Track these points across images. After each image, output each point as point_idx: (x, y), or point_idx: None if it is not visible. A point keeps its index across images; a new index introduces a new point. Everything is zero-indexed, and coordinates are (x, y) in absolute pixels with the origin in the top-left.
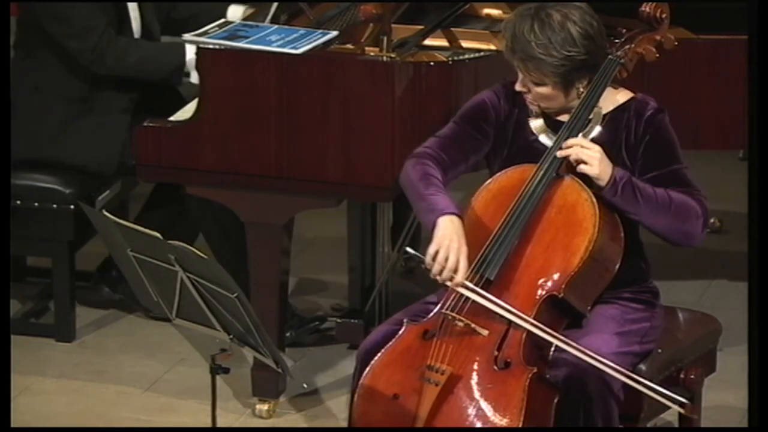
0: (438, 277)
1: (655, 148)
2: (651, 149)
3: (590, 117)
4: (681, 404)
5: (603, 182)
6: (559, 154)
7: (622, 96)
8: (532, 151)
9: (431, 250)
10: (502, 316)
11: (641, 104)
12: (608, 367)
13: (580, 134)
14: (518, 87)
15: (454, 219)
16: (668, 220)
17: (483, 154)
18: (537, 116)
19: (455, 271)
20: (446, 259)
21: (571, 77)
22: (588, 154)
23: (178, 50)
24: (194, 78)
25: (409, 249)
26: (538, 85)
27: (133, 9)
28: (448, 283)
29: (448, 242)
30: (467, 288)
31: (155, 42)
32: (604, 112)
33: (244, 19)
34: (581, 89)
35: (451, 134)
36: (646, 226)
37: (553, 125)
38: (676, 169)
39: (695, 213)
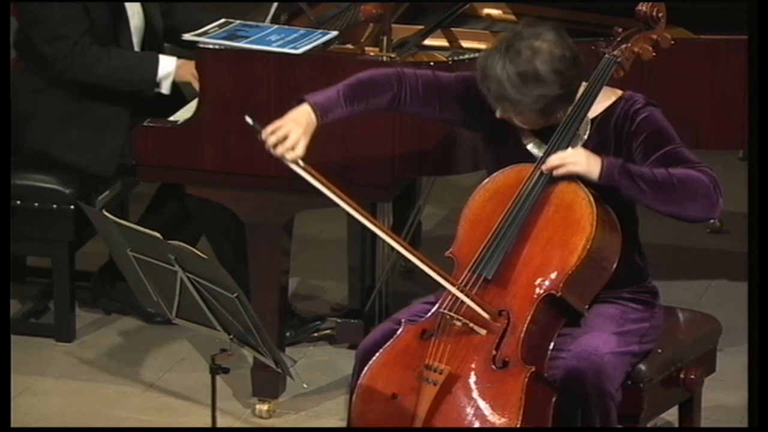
0: (272, 150)
1: (648, 135)
2: (644, 138)
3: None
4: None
5: (595, 175)
6: (544, 169)
7: (610, 97)
8: (523, 156)
9: (276, 122)
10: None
11: (628, 102)
12: None
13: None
14: (499, 114)
15: (313, 116)
16: (678, 197)
17: (455, 120)
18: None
19: (293, 148)
20: (285, 138)
21: (550, 110)
22: (570, 159)
23: (152, 63)
24: (165, 89)
25: (248, 118)
26: (517, 115)
27: (134, 11)
28: (286, 157)
29: (293, 124)
30: (299, 166)
31: (130, 52)
32: (592, 116)
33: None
34: (563, 113)
35: (444, 81)
36: (662, 212)
37: (543, 130)
38: (672, 148)
39: (702, 183)
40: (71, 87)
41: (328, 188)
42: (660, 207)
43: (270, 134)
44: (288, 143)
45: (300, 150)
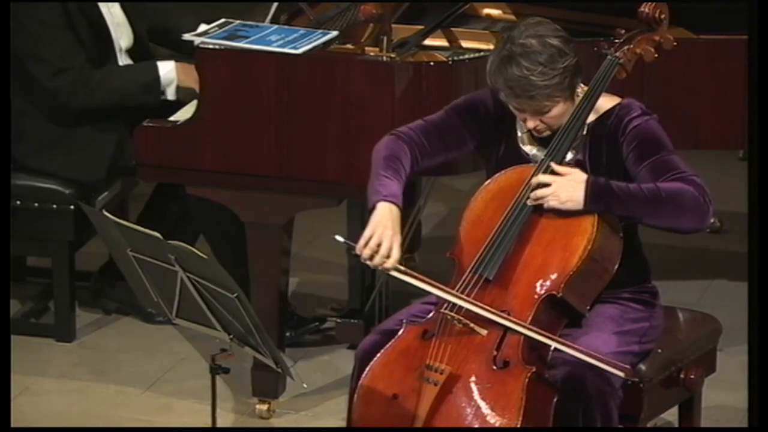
0: (369, 262)
1: (639, 143)
2: (635, 146)
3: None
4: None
5: (579, 204)
6: (529, 203)
7: (608, 102)
8: (522, 159)
9: (366, 234)
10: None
11: (624, 109)
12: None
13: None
14: (531, 125)
15: (393, 208)
16: (667, 211)
17: (466, 150)
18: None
19: (388, 256)
20: (379, 245)
21: (573, 83)
22: (547, 193)
23: (152, 72)
24: (170, 95)
25: (338, 237)
26: (551, 109)
27: (123, 32)
28: (380, 268)
29: (382, 229)
30: (399, 270)
31: (127, 67)
32: (588, 120)
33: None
34: (579, 92)
35: (439, 122)
36: (653, 226)
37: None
38: (662, 156)
39: (690, 194)
40: (56, 110)
41: (433, 286)
42: (651, 222)
43: (363, 247)
44: (383, 251)
45: (395, 255)
